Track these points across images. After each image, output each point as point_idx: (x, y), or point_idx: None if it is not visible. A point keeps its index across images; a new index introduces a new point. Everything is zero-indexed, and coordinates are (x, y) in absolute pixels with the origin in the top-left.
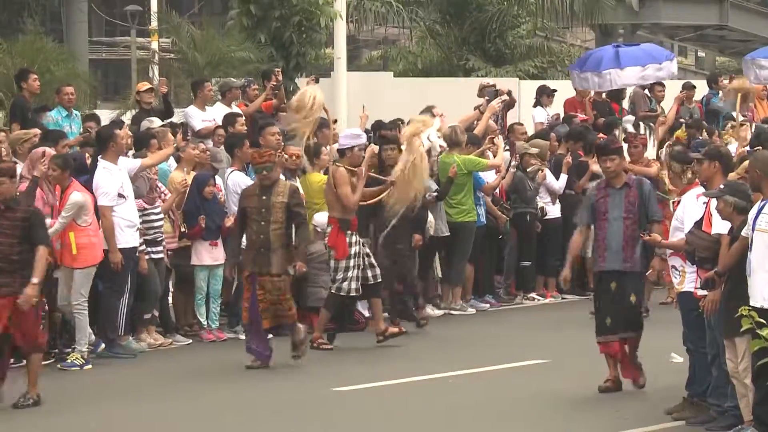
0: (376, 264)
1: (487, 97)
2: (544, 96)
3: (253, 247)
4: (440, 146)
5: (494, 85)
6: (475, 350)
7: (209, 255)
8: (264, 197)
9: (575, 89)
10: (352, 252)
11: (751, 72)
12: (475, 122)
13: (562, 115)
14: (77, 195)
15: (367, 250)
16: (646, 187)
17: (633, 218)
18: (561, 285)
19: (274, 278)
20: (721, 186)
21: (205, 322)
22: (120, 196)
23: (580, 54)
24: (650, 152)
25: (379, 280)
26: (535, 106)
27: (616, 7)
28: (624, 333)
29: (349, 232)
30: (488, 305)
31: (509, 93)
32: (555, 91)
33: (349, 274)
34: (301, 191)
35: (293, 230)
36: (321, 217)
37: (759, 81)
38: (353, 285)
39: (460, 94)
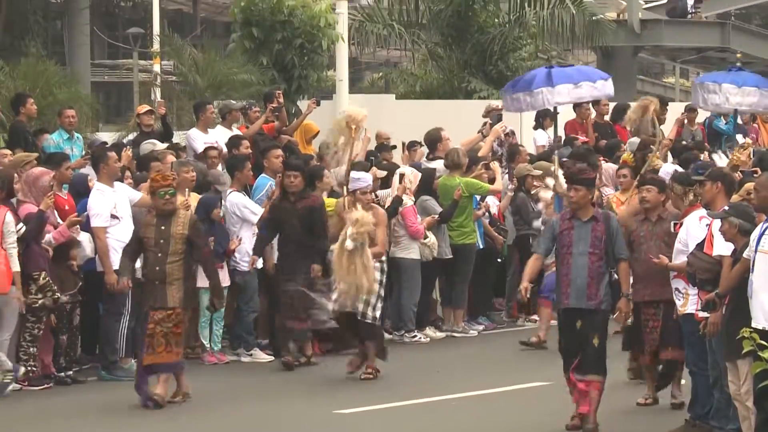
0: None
1: (490, 121)
2: (545, 118)
3: (149, 279)
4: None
5: (501, 109)
6: (477, 372)
7: None
8: (162, 227)
9: (508, 110)
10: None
11: (699, 96)
12: (480, 143)
13: (563, 138)
14: (9, 216)
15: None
16: (613, 223)
17: (599, 254)
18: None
19: (168, 311)
20: (726, 207)
21: (209, 345)
22: (113, 217)
23: None
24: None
25: (376, 323)
26: (535, 128)
27: (618, 29)
28: (588, 376)
29: None
30: (482, 326)
31: (512, 133)
32: (557, 113)
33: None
34: None
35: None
36: None
37: (706, 106)
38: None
39: (462, 116)
